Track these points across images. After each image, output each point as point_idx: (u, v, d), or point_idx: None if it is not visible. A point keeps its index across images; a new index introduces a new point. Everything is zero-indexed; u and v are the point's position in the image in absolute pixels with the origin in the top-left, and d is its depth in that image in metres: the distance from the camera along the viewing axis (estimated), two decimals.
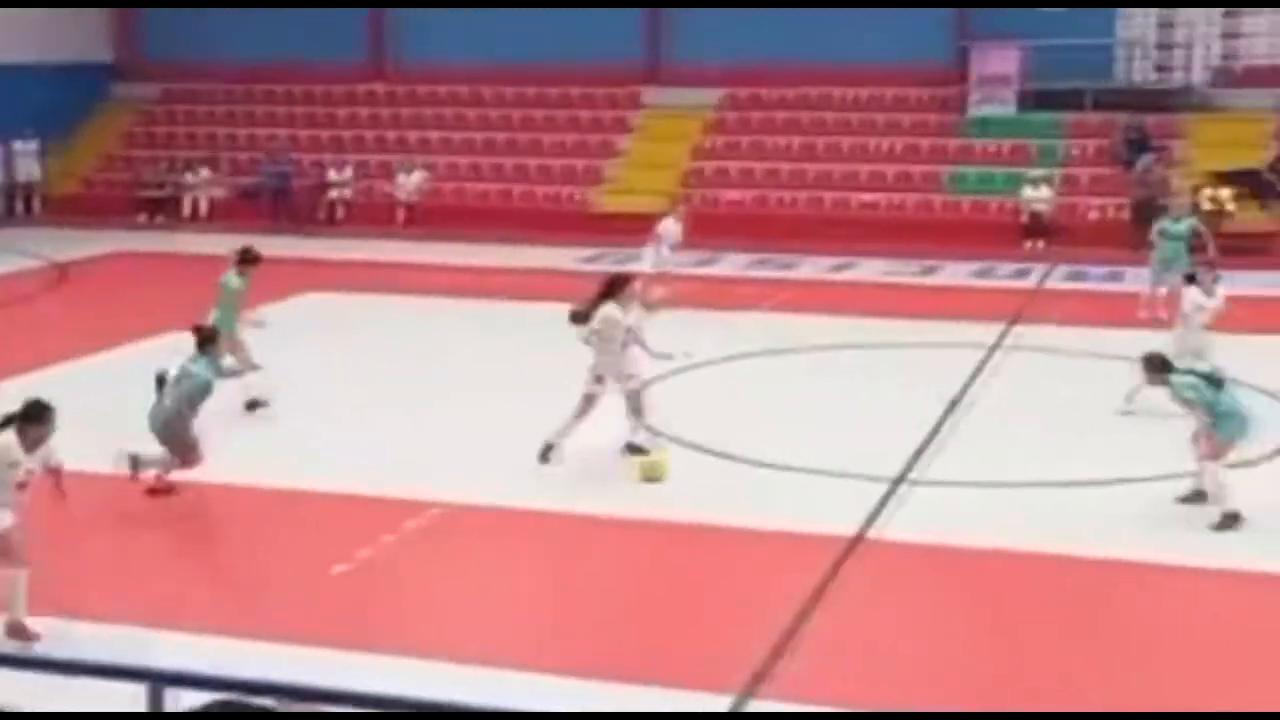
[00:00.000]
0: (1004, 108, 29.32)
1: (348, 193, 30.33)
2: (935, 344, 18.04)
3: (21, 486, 9.19)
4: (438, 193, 29.88)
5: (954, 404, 15.02)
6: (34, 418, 9.24)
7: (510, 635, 9.59)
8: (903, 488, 12.28)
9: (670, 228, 21.56)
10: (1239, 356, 14.95)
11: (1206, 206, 25.44)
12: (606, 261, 25.51)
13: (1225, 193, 25.58)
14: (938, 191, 28.24)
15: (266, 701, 4.19)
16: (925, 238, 26.40)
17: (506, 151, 30.82)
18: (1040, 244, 26.27)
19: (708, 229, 25.00)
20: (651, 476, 12.52)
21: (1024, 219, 26.71)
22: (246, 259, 14.96)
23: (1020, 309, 20.46)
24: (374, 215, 29.49)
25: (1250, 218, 25.63)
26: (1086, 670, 8.89)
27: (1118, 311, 19.81)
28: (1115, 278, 23.36)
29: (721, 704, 8.23)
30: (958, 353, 17.31)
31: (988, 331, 18.61)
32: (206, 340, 12.39)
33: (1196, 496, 11.78)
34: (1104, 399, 14.67)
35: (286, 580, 10.40)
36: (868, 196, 28.15)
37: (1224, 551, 10.84)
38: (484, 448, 13.35)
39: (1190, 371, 12.04)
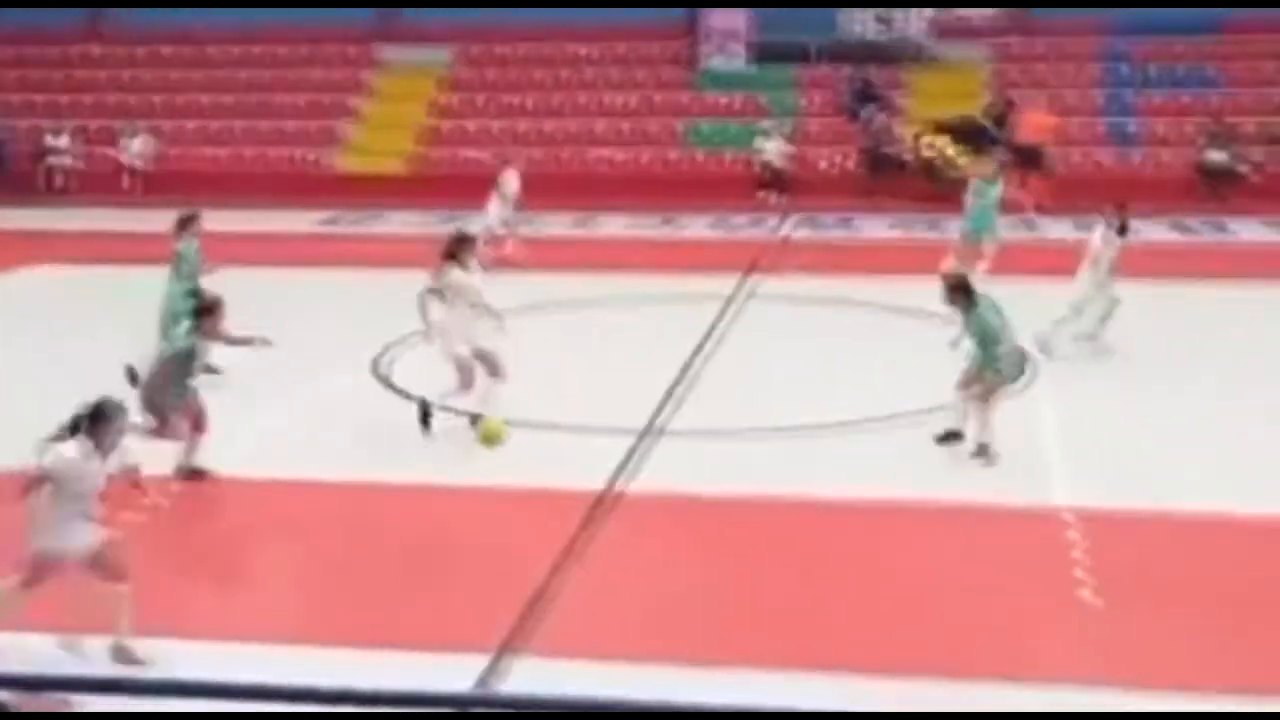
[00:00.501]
0: (735, 61, 29.85)
1: (68, 160, 29.13)
2: (678, 297, 18.32)
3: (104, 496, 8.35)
4: (165, 158, 28.92)
5: (698, 354, 15.29)
6: (107, 417, 8.33)
7: (260, 609, 9.45)
8: (649, 440, 12.47)
9: (510, 181, 21.05)
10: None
11: (927, 154, 26.46)
12: (344, 224, 25.18)
13: (945, 141, 26.59)
14: (673, 145, 28.63)
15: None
16: (663, 192, 26.75)
17: (235, 114, 30.00)
18: (774, 195, 26.88)
19: (447, 189, 24.85)
20: (493, 437, 12.07)
21: (758, 170, 27.30)
22: (188, 222, 14.84)
23: (757, 259, 20.90)
24: (100, 183, 28.37)
25: (970, 166, 26.69)
26: (830, 612, 9.22)
27: (852, 259, 20.45)
28: (847, 225, 24.11)
29: (477, 665, 8.25)
30: (700, 305, 17.61)
31: (727, 283, 18.96)
32: (205, 310, 11.73)
33: (952, 436, 12.02)
34: (846, 345, 15.12)
35: None
36: (604, 151, 28.37)
37: (971, 488, 11.29)
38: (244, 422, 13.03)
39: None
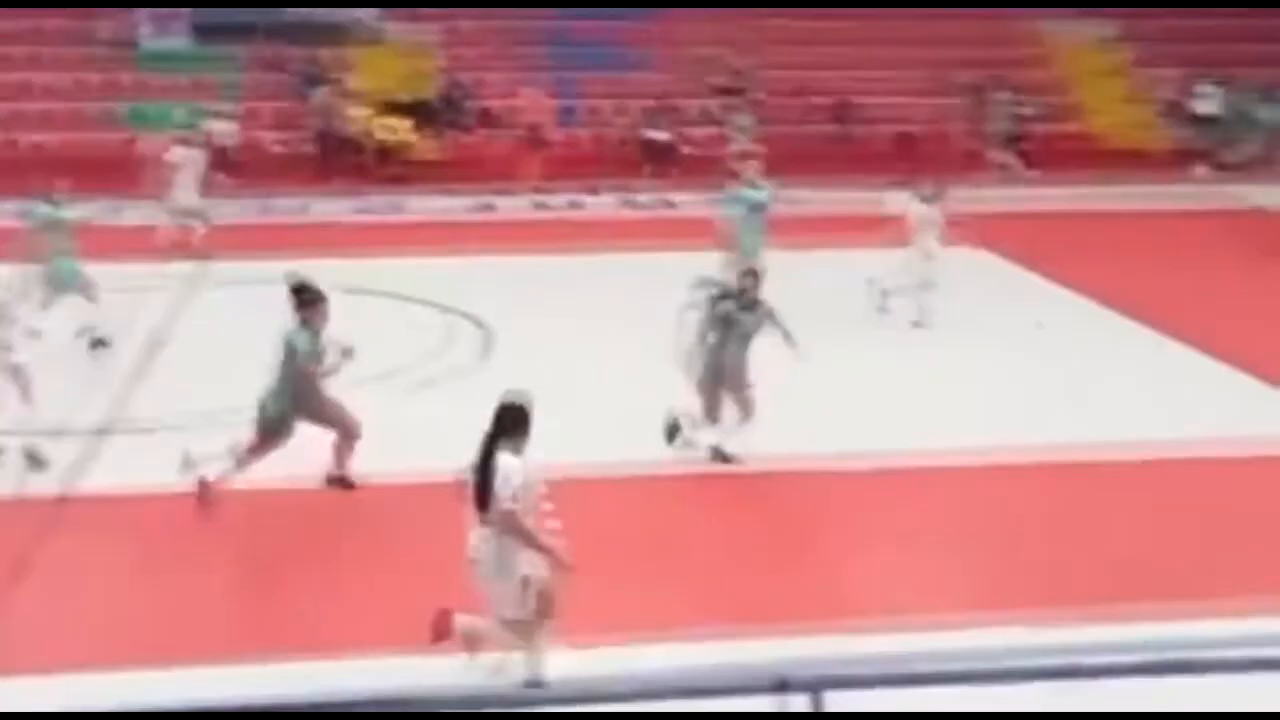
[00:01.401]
0: (176, 40, 28.62)
1: None
2: (131, 285, 17.32)
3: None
4: None
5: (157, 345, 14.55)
6: (525, 422, 7.55)
7: None
8: (101, 438, 11.74)
9: (186, 156, 19.50)
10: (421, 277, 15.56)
11: (381, 136, 26.35)
12: None
13: (399, 122, 26.55)
14: (113, 128, 27.11)
15: None
16: (105, 177, 25.24)
17: None
18: (222, 176, 25.94)
19: None
20: None
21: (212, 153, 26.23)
22: (53, 194, 14.86)
23: (207, 245, 20.02)
24: None
25: (425, 146, 26.79)
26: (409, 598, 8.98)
27: (307, 239, 20.01)
28: (304, 210, 23.63)
29: None
30: (147, 294, 16.69)
31: (178, 269, 18.14)
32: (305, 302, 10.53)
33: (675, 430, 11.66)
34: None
35: None
36: (37, 136, 26.56)
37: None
38: None
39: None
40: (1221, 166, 27.47)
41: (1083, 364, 14.68)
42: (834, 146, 27.87)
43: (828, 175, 24.80)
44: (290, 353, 10.48)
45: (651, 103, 27.76)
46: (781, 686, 4.15)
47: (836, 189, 24.40)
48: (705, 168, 26.61)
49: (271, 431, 10.48)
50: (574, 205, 24.57)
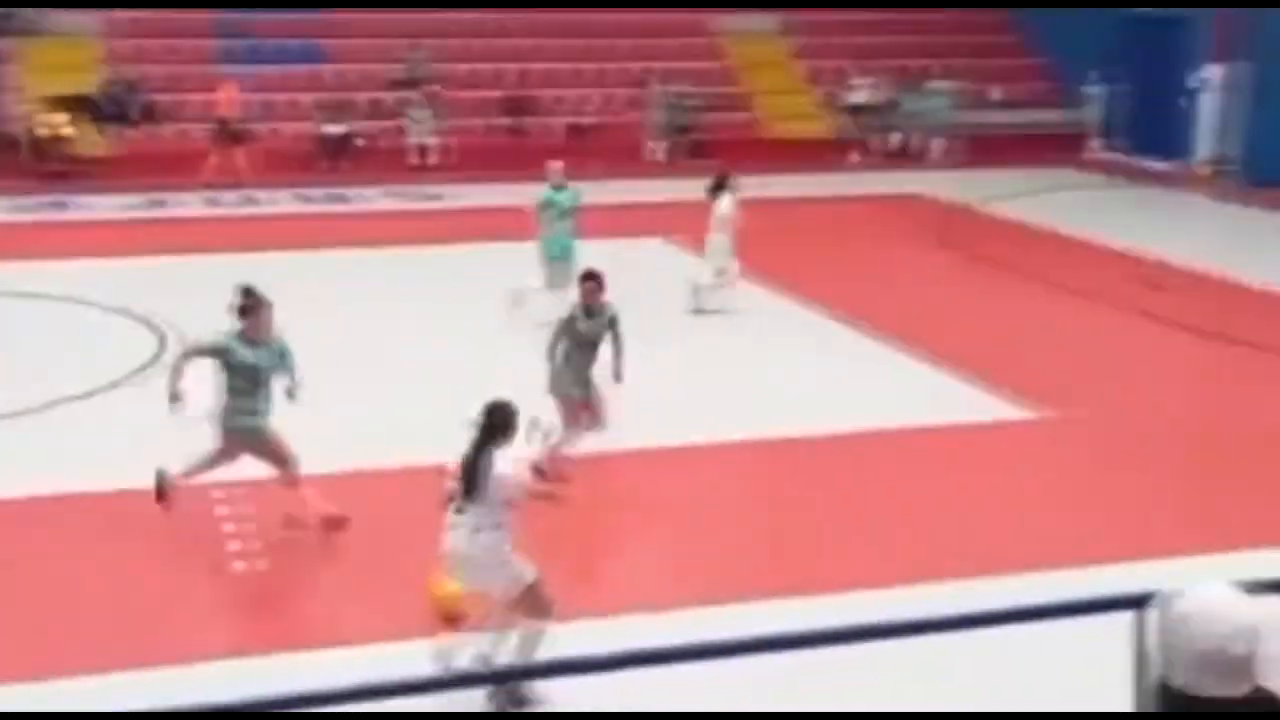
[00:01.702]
0: None
1: None
2: None
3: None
4: None
5: None
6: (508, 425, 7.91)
7: None
8: None
9: None
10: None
11: (41, 132, 25.44)
12: None
13: (60, 117, 25.67)
14: None
15: None
16: None
17: None
18: None
19: None
20: None
21: None
22: None
23: None
24: None
25: (90, 142, 25.98)
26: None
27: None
28: None
29: None
30: None
31: None
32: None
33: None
34: None
35: None
36: None
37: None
38: None
39: None
40: (874, 155, 29.02)
41: (760, 350, 15.40)
42: (509, 139, 28.23)
43: (505, 169, 25.16)
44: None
45: (327, 96, 27.58)
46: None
47: (514, 183, 24.81)
48: (382, 162, 26.72)
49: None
50: (248, 202, 24.27)
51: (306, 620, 9.29)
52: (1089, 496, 11.30)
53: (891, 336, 15.66)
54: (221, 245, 19.67)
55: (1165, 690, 3.65)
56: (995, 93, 31.07)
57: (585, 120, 28.96)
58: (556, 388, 11.23)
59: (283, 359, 10.24)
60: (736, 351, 15.29)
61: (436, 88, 28.24)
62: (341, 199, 24.59)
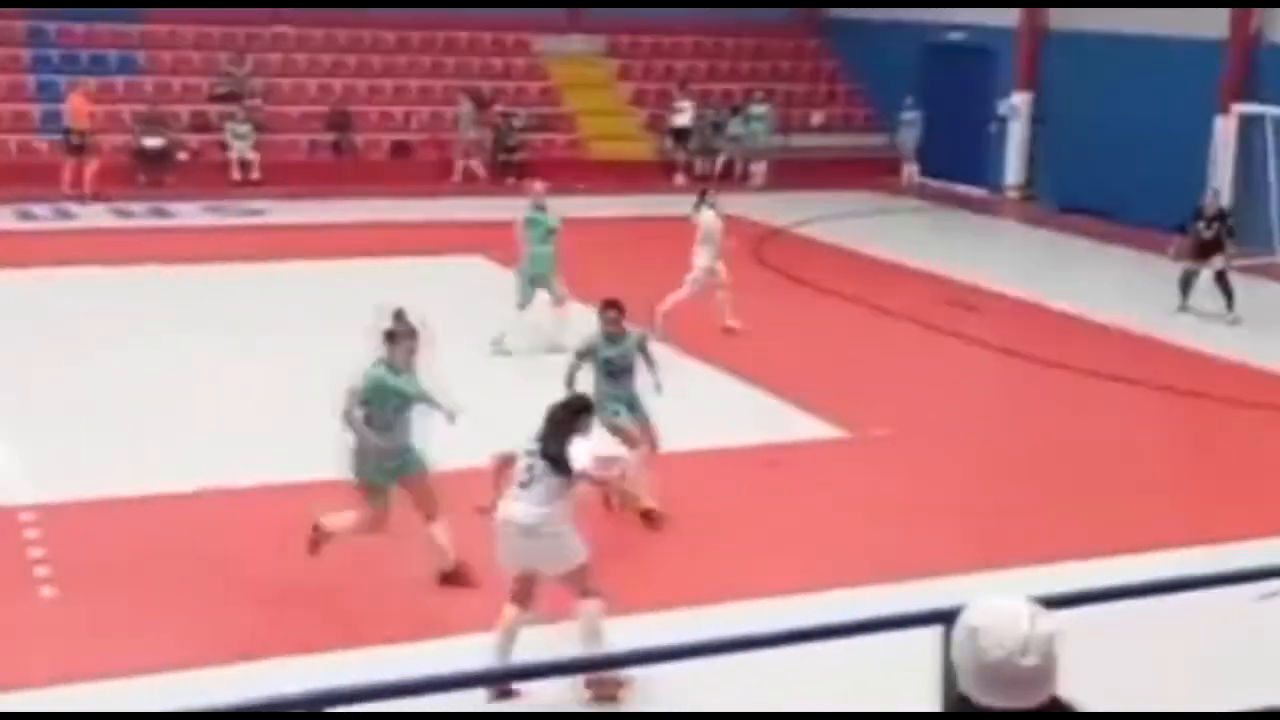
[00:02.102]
0: None
1: None
2: None
3: None
4: None
5: None
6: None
7: None
8: None
9: None
10: None
11: None
12: None
13: None
14: None
15: None
16: None
17: None
18: None
19: None
20: None
21: None
22: None
23: None
24: None
25: None
26: None
27: None
28: None
29: None
30: None
31: None
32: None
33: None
34: None
35: None
36: None
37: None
38: None
39: None
40: (697, 177, 29.42)
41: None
42: (332, 155, 28.01)
43: (327, 185, 24.98)
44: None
45: (145, 109, 27.05)
46: None
47: (337, 199, 24.68)
48: (204, 177, 26.28)
49: None
50: (61, 215, 23.70)
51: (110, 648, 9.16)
52: (899, 513, 11.65)
53: (706, 356, 15.93)
54: (33, 261, 19.20)
55: (964, 703, 3.61)
56: (816, 117, 31.81)
57: (409, 138, 28.86)
58: (604, 421, 10.78)
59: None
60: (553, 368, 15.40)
61: (258, 102, 27.92)
62: (162, 213, 24.14)
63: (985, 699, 3.56)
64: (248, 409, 13.25)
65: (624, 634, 7.63)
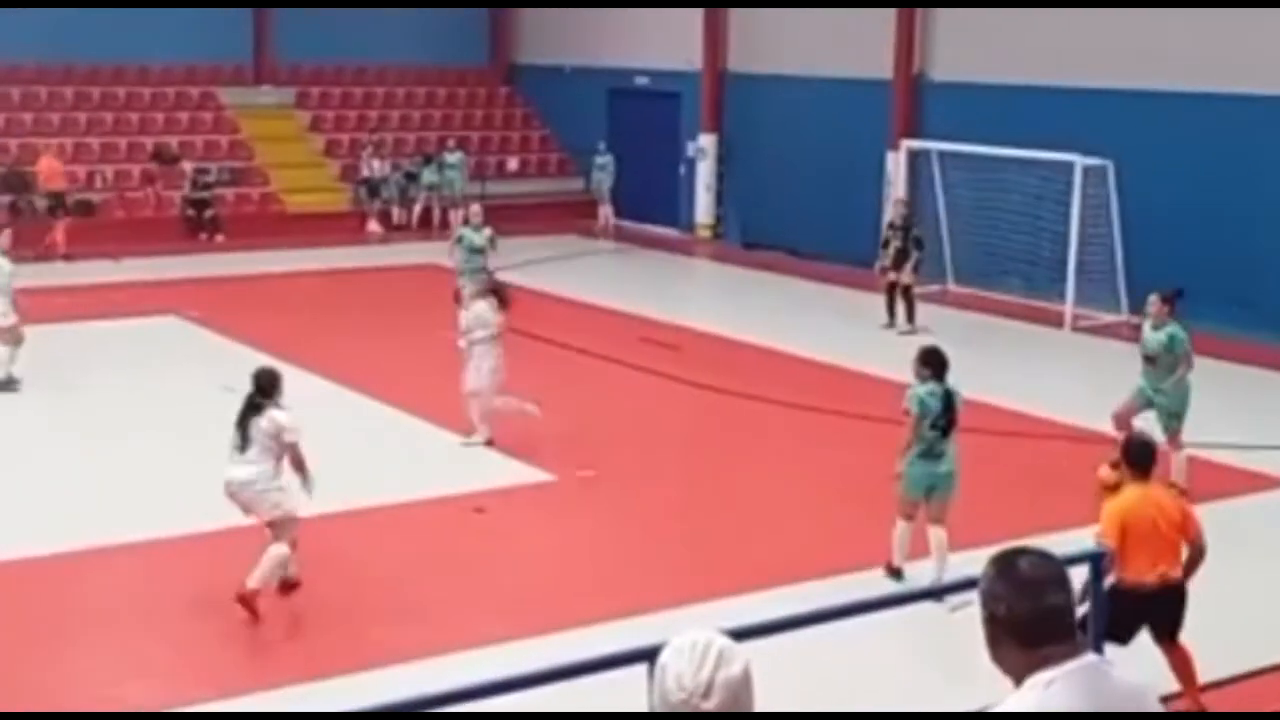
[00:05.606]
0: None
1: None
2: None
3: None
4: None
5: None
6: None
7: None
8: None
9: None
10: None
11: None
12: None
13: None
14: None
15: None
16: None
17: None
18: None
19: None
20: None
21: None
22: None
23: None
24: None
25: None
26: None
27: None
28: None
29: None
30: None
31: None
32: None
33: None
34: None
35: None
36: None
37: None
38: None
39: None
40: (394, 226, 29.43)
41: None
42: (9, 218, 26.88)
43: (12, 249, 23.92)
44: None
45: None
46: None
47: (20, 264, 23.71)
48: None
49: None
50: None
51: None
52: (603, 553, 11.91)
53: (401, 403, 15.95)
54: None
55: None
56: (511, 163, 32.14)
57: (92, 196, 27.93)
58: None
59: None
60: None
61: None
62: None
63: None
64: None
65: (329, 699, 7.61)
